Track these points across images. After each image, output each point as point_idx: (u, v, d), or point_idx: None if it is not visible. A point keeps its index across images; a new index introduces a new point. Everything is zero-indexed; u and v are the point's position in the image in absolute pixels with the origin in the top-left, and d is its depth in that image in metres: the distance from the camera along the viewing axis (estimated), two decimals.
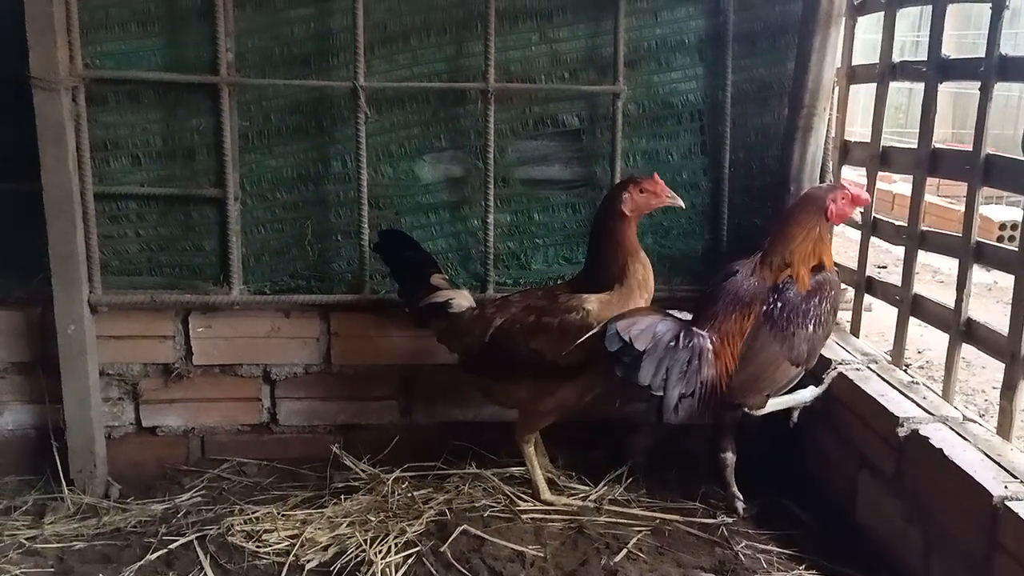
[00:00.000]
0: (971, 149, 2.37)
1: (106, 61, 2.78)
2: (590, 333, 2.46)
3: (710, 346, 2.48)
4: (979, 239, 2.39)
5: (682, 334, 2.44)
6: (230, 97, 2.82)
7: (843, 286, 2.66)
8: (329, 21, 2.85)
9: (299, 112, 2.90)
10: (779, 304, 2.53)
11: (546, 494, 2.73)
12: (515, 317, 2.64)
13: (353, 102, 2.84)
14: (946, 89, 2.60)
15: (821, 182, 3.02)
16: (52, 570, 2.40)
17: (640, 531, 2.56)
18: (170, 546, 2.47)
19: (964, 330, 2.42)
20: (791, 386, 2.62)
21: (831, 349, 2.85)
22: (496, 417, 3.00)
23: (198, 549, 2.46)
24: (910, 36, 8.41)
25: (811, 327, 2.53)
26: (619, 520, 2.64)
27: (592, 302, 2.58)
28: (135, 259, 2.94)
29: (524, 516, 2.63)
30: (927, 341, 4.32)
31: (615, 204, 2.60)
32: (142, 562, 2.40)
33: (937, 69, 2.54)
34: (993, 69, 2.28)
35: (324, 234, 2.99)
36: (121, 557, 2.45)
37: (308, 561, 2.40)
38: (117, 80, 2.79)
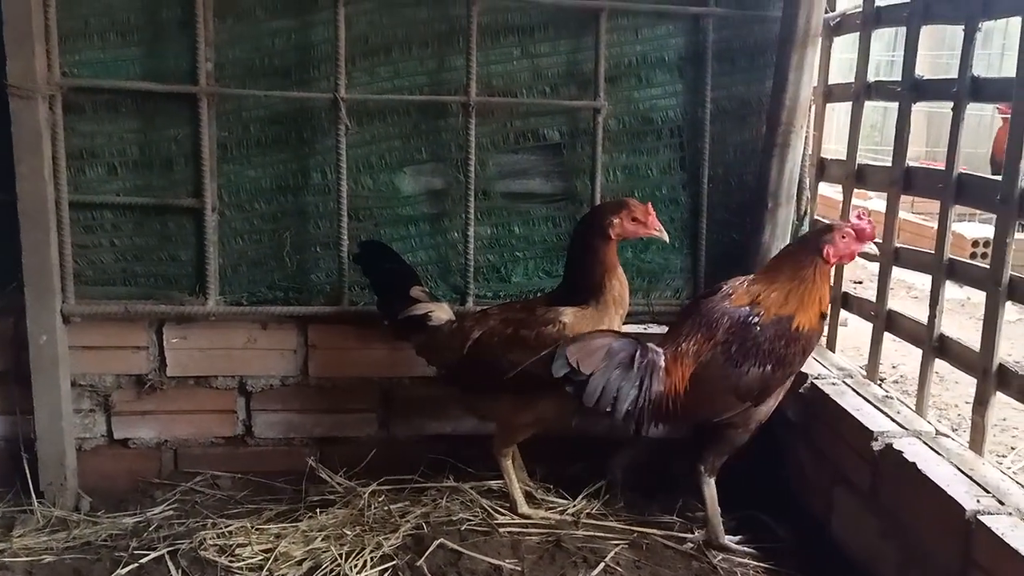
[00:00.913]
0: (944, 168, 2.41)
1: (84, 70, 2.75)
2: (536, 358, 2.41)
3: (663, 363, 2.43)
4: (952, 256, 2.43)
5: (637, 353, 2.39)
6: (209, 107, 2.80)
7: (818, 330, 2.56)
8: (310, 33, 2.85)
9: (279, 123, 2.89)
10: (741, 338, 2.43)
11: (523, 507, 2.72)
12: (493, 330, 2.64)
13: (334, 114, 2.83)
14: (920, 108, 2.64)
15: (799, 198, 3.06)
16: None
17: (618, 545, 2.56)
18: (141, 560, 2.43)
19: (937, 346, 2.45)
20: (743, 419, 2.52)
21: (807, 364, 2.87)
22: (474, 430, 2.99)
23: (170, 564, 2.42)
24: (885, 55, 8.53)
25: (769, 366, 2.43)
26: (597, 534, 2.63)
27: (568, 315, 2.58)
28: (109, 269, 2.90)
29: (501, 530, 2.62)
30: (901, 356, 4.37)
31: (603, 225, 2.57)
32: None
33: (911, 89, 2.59)
34: (966, 90, 2.33)
35: (303, 245, 2.97)
36: (91, 571, 2.41)
37: None
38: (95, 89, 2.77)
